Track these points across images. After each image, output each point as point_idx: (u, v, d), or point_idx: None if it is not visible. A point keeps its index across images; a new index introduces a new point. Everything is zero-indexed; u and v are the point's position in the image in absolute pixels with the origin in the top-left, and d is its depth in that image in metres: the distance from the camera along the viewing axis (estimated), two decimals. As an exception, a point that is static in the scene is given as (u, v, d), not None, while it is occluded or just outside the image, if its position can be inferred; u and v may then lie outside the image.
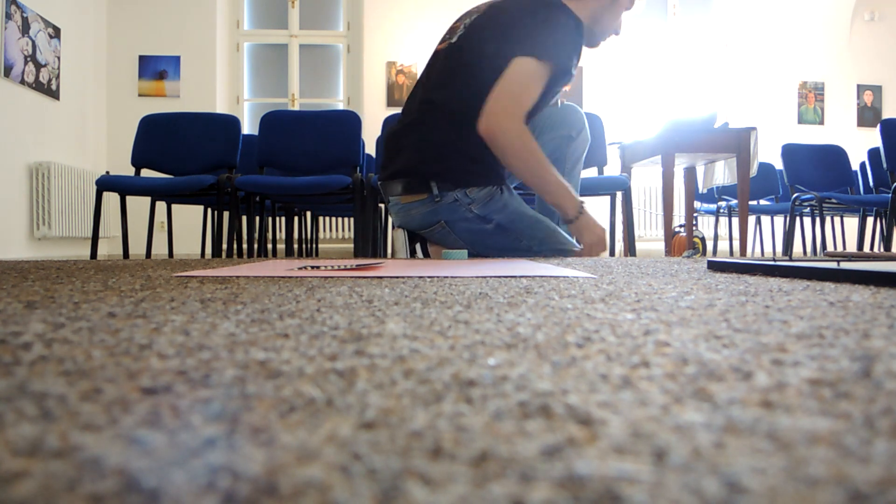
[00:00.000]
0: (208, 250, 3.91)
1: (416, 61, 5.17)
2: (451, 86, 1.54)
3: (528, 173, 1.51)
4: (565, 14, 1.52)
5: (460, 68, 1.55)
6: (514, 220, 1.56)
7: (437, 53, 1.64)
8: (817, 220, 3.49)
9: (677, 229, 3.70)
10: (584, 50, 1.63)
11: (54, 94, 4.19)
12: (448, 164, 1.52)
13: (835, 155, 3.75)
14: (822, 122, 5.55)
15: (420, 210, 1.57)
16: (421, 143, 1.55)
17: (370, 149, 4.41)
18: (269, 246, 4.48)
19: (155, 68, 4.98)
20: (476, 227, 1.56)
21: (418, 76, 1.73)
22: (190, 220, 4.70)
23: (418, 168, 1.55)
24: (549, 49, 1.48)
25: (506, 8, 1.56)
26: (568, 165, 1.72)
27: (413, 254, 1.68)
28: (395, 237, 1.71)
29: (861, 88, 5.65)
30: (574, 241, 1.61)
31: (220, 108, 5.07)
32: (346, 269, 0.87)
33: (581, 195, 1.90)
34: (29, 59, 3.93)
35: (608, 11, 1.62)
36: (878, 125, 3.17)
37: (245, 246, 3.08)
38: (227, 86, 5.23)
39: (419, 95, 1.61)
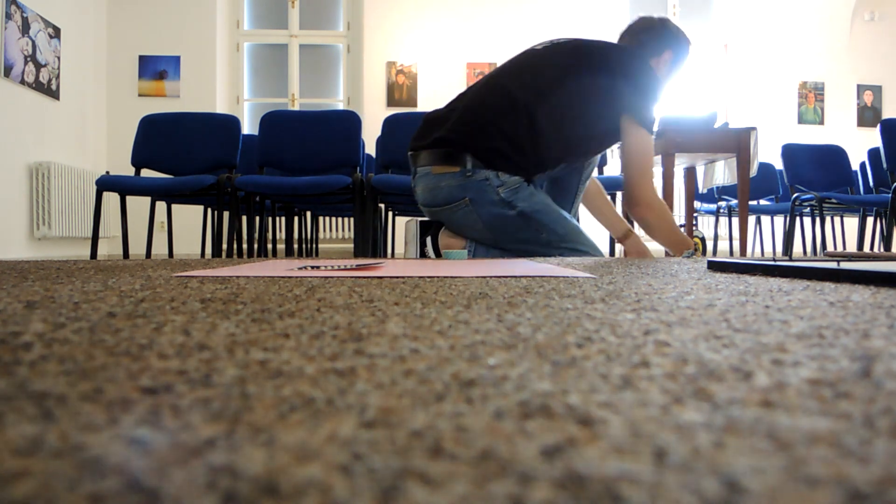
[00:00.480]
0: (208, 250, 3.91)
1: (416, 61, 5.17)
2: (521, 75, 1.60)
3: (666, 232, 1.67)
4: (658, 81, 1.63)
5: (535, 65, 1.61)
6: (538, 210, 1.57)
7: (514, 56, 1.70)
8: (817, 220, 3.49)
9: (677, 229, 3.70)
10: None
11: (54, 94, 4.19)
12: (490, 143, 1.55)
13: (835, 155, 3.75)
14: (822, 122, 5.55)
15: (449, 183, 1.57)
16: (471, 116, 1.58)
17: (370, 149, 4.41)
18: (269, 246, 4.48)
19: (155, 68, 4.98)
20: (499, 212, 1.57)
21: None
22: (190, 220, 4.70)
23: (458, 139, 1.57)
24: (651, 118, 1.62)
25: (599, 47, 1.64)
26: (581, 188, 1.80)
27: (423, 246, 1.67)
28: (408, 228, 1.71)
29: (861, 88, 5.65)
30: (598, 247, 1.67)
31: (220, 108, 5.07)
32: (346, 269, 0.87)
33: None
34: (29, 59, 3.93)
35: (666, 80, 1.75)
36: (878, 125, 3.17)
37: (245, 246, 3.08)
38: (227, 86, 5.23)
39: (484, 81, 1.65)
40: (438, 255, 1.67)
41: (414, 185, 1.66)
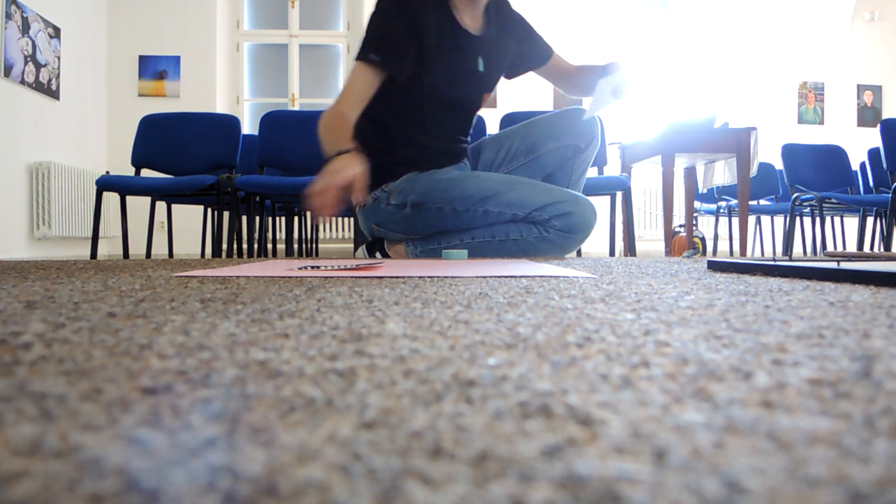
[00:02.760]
0: (208, 250, 3.91)
1: (416, 61, 5.17)
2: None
3: (329, 144, 1.42)
4: (386, 6, 1.49)
5: None
6: (426, 192, 1.52)
7: None
8: (817, 220, 3.49)
9: (677, 229, 3.70)
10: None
11: (54, 94, 4.19)
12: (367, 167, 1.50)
13: (835, 155, 3.75)
14: (822, 122, 5.55)
15: (361, 217, 1.66)
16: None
17: (370, 149, 4.38)
18: (269, 246, 4.48)
19: (155, 68, 4.98)
20: (398, 218, 1.57)
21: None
22: (190, 220, 4.70)
23: None
24: (362, 47, 1.47)
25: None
26: (574, 177, 1.71)
27: (373, 256, 1.72)
28: (358, 257, 1.76)
29: (861, 88, 5.65)
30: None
31: (220, 108, 5.07)
32: (346, 269, 0.87)
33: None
34: (29, 59, 3.92)
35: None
36: (878, 125, 3.17)
37: (245, 246, 3.08)
38: (227, 86, 5.23)
39: None
40: (385, 255, 1.71)
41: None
